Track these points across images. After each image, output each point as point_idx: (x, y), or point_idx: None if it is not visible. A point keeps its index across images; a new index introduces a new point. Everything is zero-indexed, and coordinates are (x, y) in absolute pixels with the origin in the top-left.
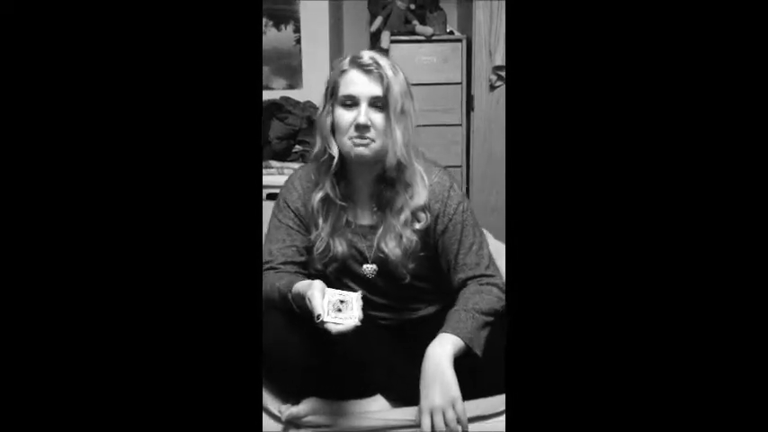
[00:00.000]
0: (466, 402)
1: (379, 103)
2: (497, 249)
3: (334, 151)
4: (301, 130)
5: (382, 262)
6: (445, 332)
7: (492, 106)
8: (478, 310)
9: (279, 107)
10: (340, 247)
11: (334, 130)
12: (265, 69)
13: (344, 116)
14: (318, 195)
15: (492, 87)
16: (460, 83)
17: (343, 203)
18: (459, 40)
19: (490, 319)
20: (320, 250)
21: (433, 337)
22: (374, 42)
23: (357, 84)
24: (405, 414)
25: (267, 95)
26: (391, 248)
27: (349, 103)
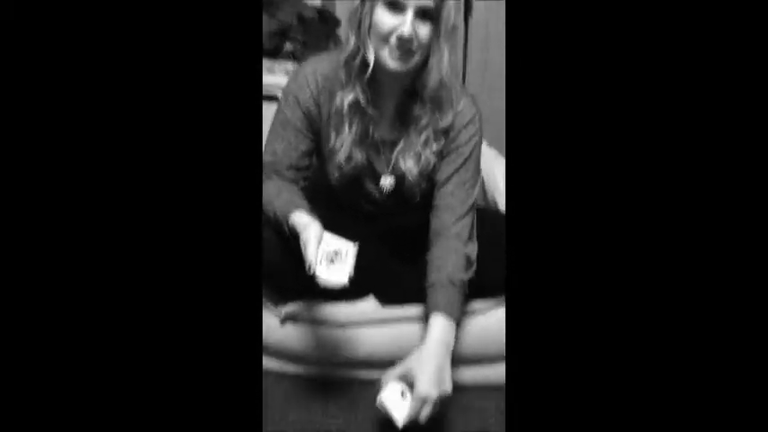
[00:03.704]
0: None
1: (427, 15)
2: (493, 156)
3: (371, 57)
4: (292, 26)
5: (398, 180)
6: (441, 314)
7: (492, 14)
8: (461, 281)
9: (269, 2)
10: (360, 156)
11: (371, 31)
12: None
13: (386, 21)
14: (349, 98)
15: None
16: None
17: (374, 113)
18: None
19: (466, 288)
20: (343, 159)
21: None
22: None
23: None
24: (393, 312)
25: None
26: (409, 167)
27: (393, 6)
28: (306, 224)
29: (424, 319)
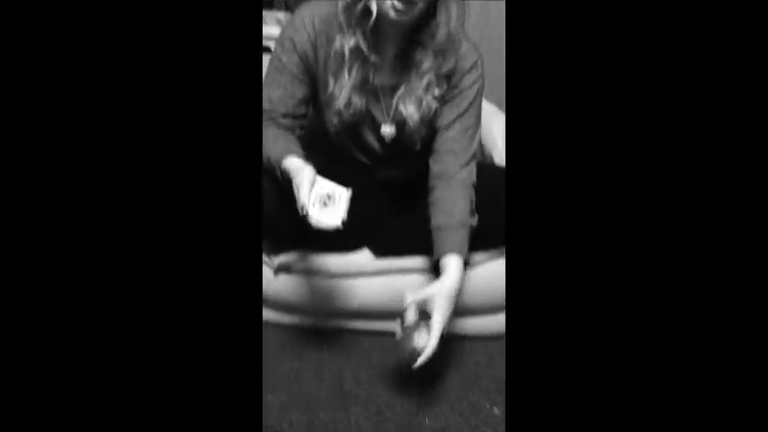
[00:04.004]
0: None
1: None
2: (492, 113)
3: (373, 7)
4: None
5: (399, 126)
6: (457, 255)
7: None
8: (470, 225)
9: None
10: (359, 102)
11: None
12: None
13: None
14: (350, 44)
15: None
16: None
17: (375, 60)
18: None
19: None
20: (342, 105)
21: (424, 194)
22: None
23: None
24: (387, 263)
25: None
26: (411, 112)
27: None
28: (299, 168)
29: (433, 260)
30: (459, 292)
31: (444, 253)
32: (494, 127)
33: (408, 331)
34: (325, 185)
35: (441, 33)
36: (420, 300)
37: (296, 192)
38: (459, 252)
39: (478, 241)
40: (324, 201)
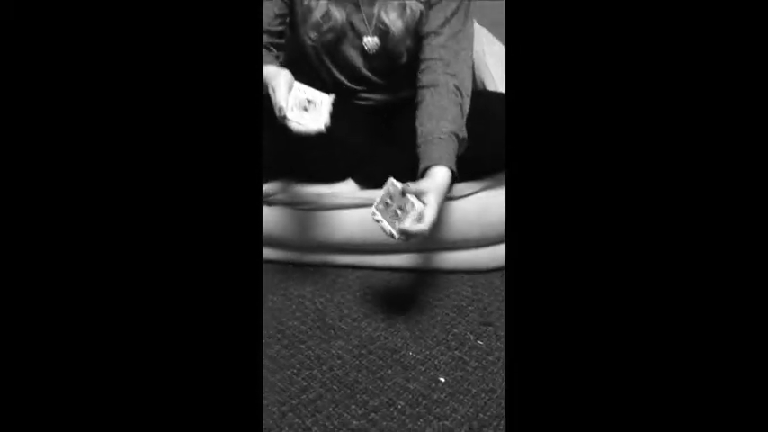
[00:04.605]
0: None
1: None
2: (483, 37)
3: None
4: None
5: (382, 36)
6: (446, 167)
7: None
8: (459, 136)
9: None
10: (338, 14)
11: None
12: None
13: None
14: None
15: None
16: None
17: None
18: None
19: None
20: (320, 16)
21: (412, 121)
22: None
23: None
24: (371, 194)
25: None
26: (393, 19)
27: None
28: (275, 73)
29: (419, 174)
30: (444, 213)
31: (430, 164)
32: (485, 54)
33: (393, 208)
34: (306, 90)
35: None
36: (413, 190)
37: (272, 95)
38: (446, 164)
39: (473, 169)
40: (304, 106)
